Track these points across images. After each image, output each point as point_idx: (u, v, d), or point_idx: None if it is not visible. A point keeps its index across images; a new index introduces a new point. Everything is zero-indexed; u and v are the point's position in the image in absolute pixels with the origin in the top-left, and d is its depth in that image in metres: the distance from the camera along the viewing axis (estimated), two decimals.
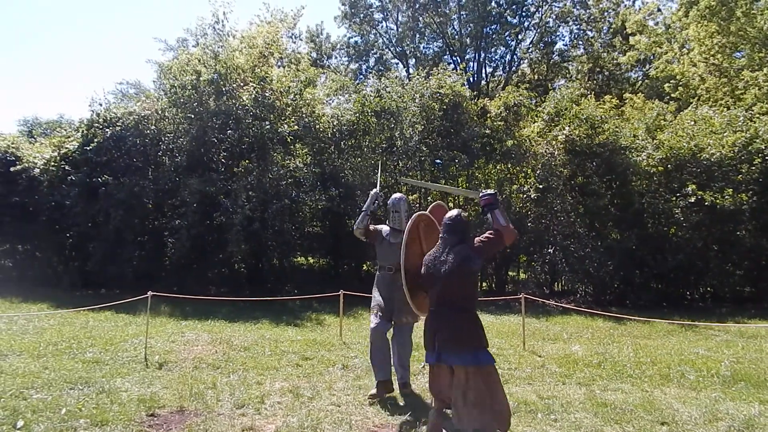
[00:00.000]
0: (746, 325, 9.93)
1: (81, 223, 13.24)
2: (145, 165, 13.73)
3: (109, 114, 13.92)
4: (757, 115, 13.65)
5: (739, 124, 13.12)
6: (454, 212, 4.19)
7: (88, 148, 13.38)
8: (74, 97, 68.09)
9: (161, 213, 13.70)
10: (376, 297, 5.54)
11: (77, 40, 58.40)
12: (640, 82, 28.42)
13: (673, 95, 20.62)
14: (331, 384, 5.86)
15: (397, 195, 5.77)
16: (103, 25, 56.47)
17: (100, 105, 14.43)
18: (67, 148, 13.76)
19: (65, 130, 15.74)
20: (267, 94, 13.54)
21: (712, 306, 12.60)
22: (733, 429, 4.63)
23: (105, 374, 6.05)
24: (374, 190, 5.87)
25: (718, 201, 11.80)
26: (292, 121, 13.51)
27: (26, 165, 13.87)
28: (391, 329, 5.55)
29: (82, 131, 13.88)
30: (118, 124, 13.66)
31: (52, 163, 13.65)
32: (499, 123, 14.26)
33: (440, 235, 4.14)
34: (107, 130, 13.55)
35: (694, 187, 12.14)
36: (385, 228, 5.75)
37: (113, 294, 11.79)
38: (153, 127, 13.88)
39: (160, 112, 14.08)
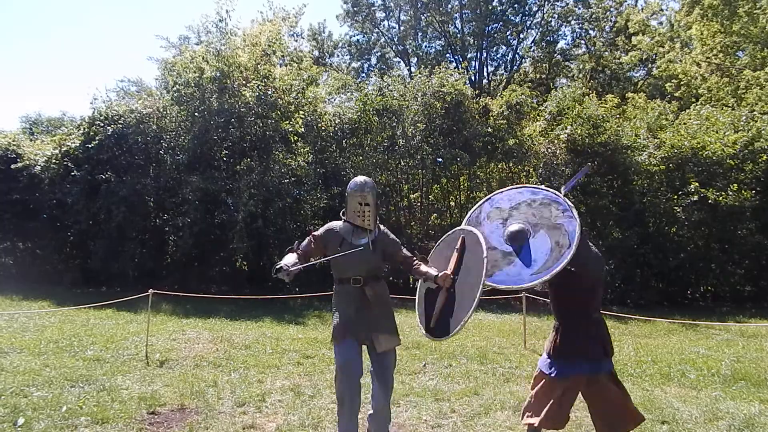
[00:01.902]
0: (747, 325, 9.93)
1: (82, 220, 13.26)
2: (147, 163, 13.75)
3: (111, 111, 13.93)
4: (759, 115, 13.65)
5: (742, 123, 13.12)
6: None
7: (89, 146, 13.39)
8: (77, 94, 68.01)
9: (163, 211, 13.72)
10: (335, 320, 4.00)
11: (79, 38, 58.41)
12: (642, 81, 28.38)
13: (675, 95, 20.60)
14: (332, 382, 5.81)
15: (363, 178, 4.04)
16: (105, 23, 56.46)
17: (102, 102, 14.46)
18: (68, 145, 13.79)
19: (67, 127, 15.77)
20: (270, 93, 13.54)
21: (713, 305, 12.65)
22: (734, 428, 4.62)
23: (106, 372, 6.05)
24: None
25: (721, 199, 11.81)
26: (299, 119, 13.50)
27: (27, 162, 13.91)
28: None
29: (84, 129, 13.90)
30: (119, 121, 13.68)
31: (54, 161, 13.68)
32: (501, 122, 14.24)
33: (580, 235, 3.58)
34: (109, 127, 13.56)
35: (696, 185, 12.13)
36: (338, 225, 4.02)
37: (114, 292, 11.82)
38: (154, 125, 13.89)
39: (161, 110, 14.09)
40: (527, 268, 3.46)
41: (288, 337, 8.29)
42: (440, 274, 3.80)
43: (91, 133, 13.60)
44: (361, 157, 14.71)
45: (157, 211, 13.87)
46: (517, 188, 3.91)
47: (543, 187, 3.89)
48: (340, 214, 4.09)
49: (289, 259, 3.75)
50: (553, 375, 3.43)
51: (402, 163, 14.75)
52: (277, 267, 3.66)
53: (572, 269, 3.37)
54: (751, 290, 13.10)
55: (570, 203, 3.63)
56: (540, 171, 13.48)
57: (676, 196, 12.54)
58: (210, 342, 7.82)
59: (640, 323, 9.71)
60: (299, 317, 10.30)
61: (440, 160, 14.36)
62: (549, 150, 13.69)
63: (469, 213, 3.98)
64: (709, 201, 11.94)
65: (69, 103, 57.75)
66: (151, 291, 7.33)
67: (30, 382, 5.55)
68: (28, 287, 12.55)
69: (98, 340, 7.60)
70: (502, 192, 3.94)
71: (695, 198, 12.09)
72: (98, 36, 57.51)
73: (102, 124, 13.68)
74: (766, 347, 7.96)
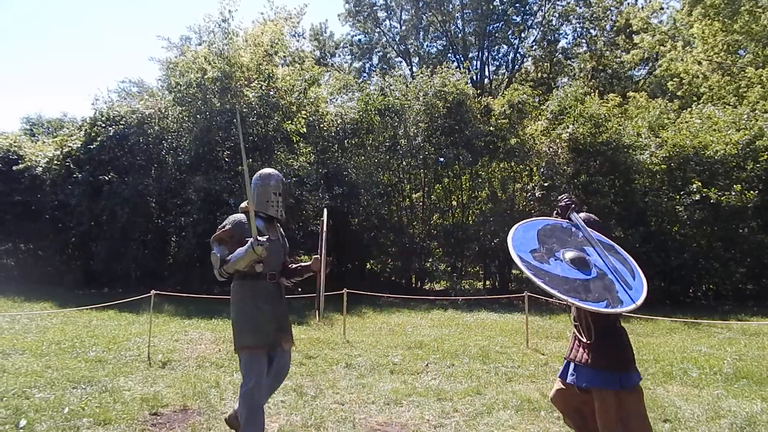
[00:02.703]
0: (748, 323, 9.90)
1: (85, 222, 13.28)
2: (149, 164, 13.77)
3: (112, 112, 13.97)
4: (760, 113, 13.65)
5: (743, 122, 13.12)
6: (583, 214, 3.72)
7: (91, 147, 13.42)
8: (77, 95, 68.04)
9: (165, 212, 13.73)
10: (249, 323, 3.71)
11: (79, 38, 58.54)
12: (643, 80, 28.36)
13: (677, 93, 20.57)
14: (334, 382, 5.85)
15: (270, 170, 4.10)
16: (105, 23, 56.59)
17: (104, 103, 14.50)
18: (70, 146, 13.82)
19: (68, 128, 15.81)
20: (272, 93, 13.55)
21: (715, 303, 12.65)
22: (735, 426, 4.60)
23: (108, 373, 6.05)
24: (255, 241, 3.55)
25: (723, 199, 11.80)
26: (301, 119, 13.49)
27: (29, 164, 13.95)
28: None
29: (86, 130, 13.93)
30: (121, 122, 13.71)
31: (55, 162, 13.72)
32: (503, 121, 14.21)
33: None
34: (110, 128, 13.60)
35: (699, 184, 12.13)
36: (243, 217, 3.87)
37: (116, 293, 11.81)
38: (156, 126, 13.90)
39: (163, 111, 14.10)
40: (629, 276, 3.33)
41: None
42: (311, 263, 3.99)
43: (93, 134, 13.62)
44: (363, 157, 14.71)
45: (159, 212, 13.89)
46: (519, 227, 3.70)
47: (526, 222, 3.78)
48: (244, 205, 3.90)
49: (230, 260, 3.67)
50: (616, 388, 3.27)
51: (404, 163, 14.74)
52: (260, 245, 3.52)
53: None
54: (753, 288, 13.09)
55: (554, 218, 3.70)
56: (542, 170, 13.45)
57: (678, 196, 12.52)
58: (212, 343, 7.81)
59: (642, 322, 9.67)
60: (301, 317, 10.28)
61: (442, 159, 14.34)
62: (551, 149, 13.67)
63: (529, 274, 3.35)
64: (711, 201, 11.97)
65: (69, 104, 57.91)
66: (153, 292, 7.33)
67: (32, 383, 5.54)
68: (30, 288, 12.57)
69: (100, 342, 7.60)
70: (513, 239, 3.59)
71: (697, 197, 12.11)
72: (98, 36, 57.65)
73: (103, 125, 13.71)
74: None
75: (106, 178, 13.02)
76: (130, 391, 5.41)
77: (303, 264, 4.09)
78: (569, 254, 3.43)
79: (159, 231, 13.71)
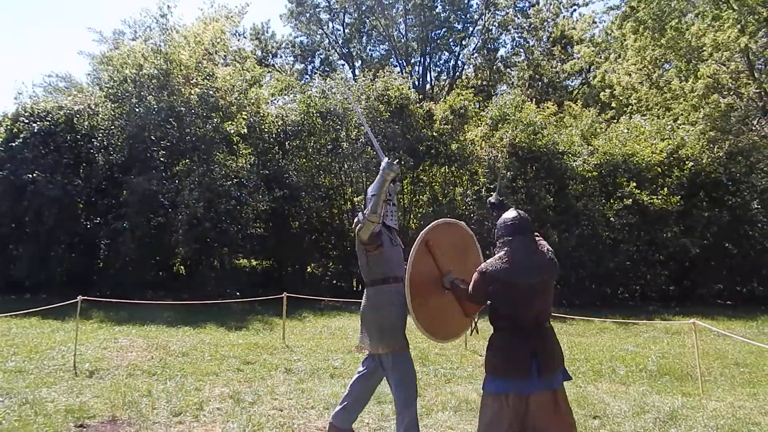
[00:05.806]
0: (671, 322, 10.50)
1: (5, 223, 12.44)
2: (77, 162, 13.07)
3: (37, 108, 13.18)
4: (680, 125, 14.58)
5: (667, 132, 13.95)
6: (514, 211, 3.45)
7: (13, 144, 12.61)
8: None
9: (95, 213, 13.06)
10: (398, 324, 3.89)
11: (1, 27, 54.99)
12: (578, 90, 29.58)
13: (610, 104, 21.58)
14: (273, 388, 5.75)
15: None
16: (31, 13, 53.48)
17: (29, 98, 13.68)
18: None
19: None
20: (211, 93, 13.19)
21: (642, 304, 13.34)
22: (659, 420, 4.87)
23: (29, 384, 5.70)
24: (385, 161, 3.80)
25: (654, 201, 12.61)
26: (241, 120, 13.19)
27: None
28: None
29: (6, 126, 13.07)
30: (47, 118, 12.97)
31: None
32: (445, 126, 14.44)
33: (508, 238, 3.35)
34: (35, 124, 12.84)
35: (633, 185, 12.79)
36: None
37: (40, 299, 11.13)
38: (86, 122, 13.24)
39: (93, 107, 13.45)
40: None
41: (228, 343, 8.07)
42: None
43: (15, 131, 12.81)
44: (304, 160, 14.57)
45: (88, 213, 13.20)
46: None
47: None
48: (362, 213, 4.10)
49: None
50: (488, 391, 3.26)
51: (346, 166, 14.69)
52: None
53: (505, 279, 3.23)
54: (675, 290, 13.91)
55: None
56: (484, 173, 13.76)
57: (612, 201, 13.08)
58: (144, 350, 7.51)
59: (575, 322, 10.09)
60: (241, 322, 10.05)
61: None
62: (491, 154, 14.01)
63: None
64: (640, 202, 12.69)
65: None
66: (80, 297, 6.97)
67: None
68: None
69: (20, 351, 7.15)
70: None
71: (629, 201, 12.73)
72: (23, 27, 54.38)
73: (27, 121, 12.93)
74: (688, 343, 8.40)
75: (30, 177, 12.25)
76: (54, 403, 5.12)
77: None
78: None
79: (88, 233, 13.03)
